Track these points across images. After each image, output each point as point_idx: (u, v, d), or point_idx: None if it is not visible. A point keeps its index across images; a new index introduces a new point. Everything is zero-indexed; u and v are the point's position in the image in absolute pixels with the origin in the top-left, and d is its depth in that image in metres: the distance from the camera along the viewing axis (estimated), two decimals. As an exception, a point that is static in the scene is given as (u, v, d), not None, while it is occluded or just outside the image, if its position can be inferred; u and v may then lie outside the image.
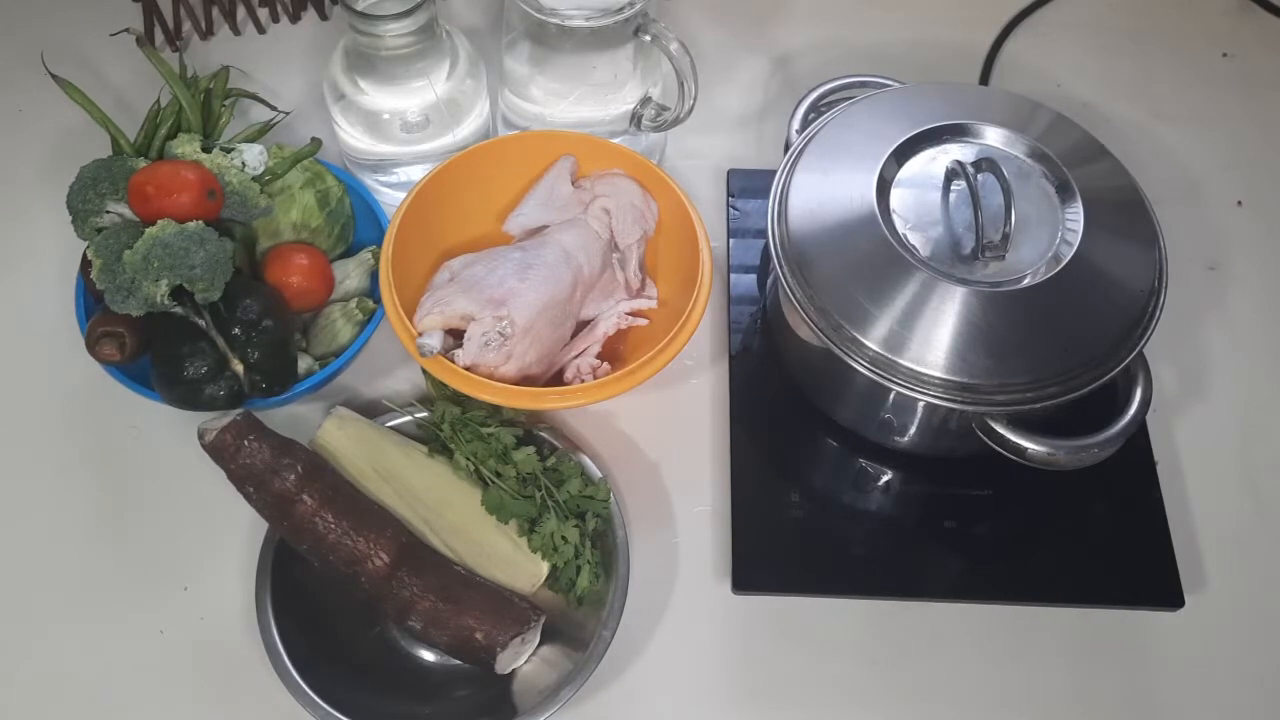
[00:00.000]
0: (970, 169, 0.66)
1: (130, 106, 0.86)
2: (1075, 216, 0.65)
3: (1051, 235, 0.65)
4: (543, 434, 0.71)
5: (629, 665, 0.68)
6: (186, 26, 0.96)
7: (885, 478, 0.74)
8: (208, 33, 0.96)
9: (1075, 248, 0.64)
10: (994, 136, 0.69)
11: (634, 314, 0.76)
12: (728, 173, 0.87)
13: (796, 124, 0.76)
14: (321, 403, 0.76)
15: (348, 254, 0.78)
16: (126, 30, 0.80)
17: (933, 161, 0.69)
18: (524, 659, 0.65)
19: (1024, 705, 0.67)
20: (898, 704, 0.67)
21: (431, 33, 0.74)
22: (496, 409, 0.70)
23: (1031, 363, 0.62)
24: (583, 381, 0.71)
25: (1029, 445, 0.61)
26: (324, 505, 0.63)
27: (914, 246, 0.65)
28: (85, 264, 0.70)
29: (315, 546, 0.63)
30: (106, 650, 0.68)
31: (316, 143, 0.75)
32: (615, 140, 0.79)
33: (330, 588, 0.65)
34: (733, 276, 0.81)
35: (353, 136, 0.79)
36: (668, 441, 0.75)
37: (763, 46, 0.97)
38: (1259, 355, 0.80)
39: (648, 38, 0.73)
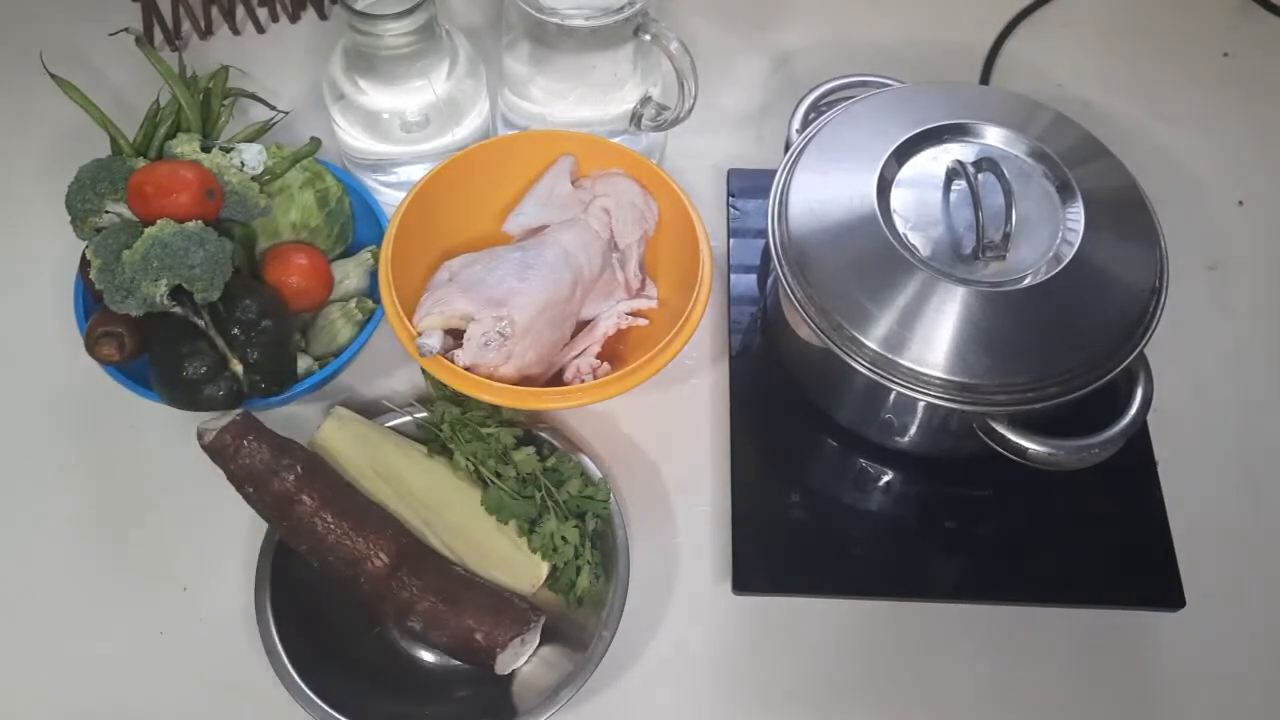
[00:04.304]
0: (971, 169, 0.66)
1: (129, 106, 0.86)
2: (1076, 216, 0.65)
3: (1052, 235, 0.65)
4: (543, 434, 0.71)
5: (629, 666, 0.67)
6: (186, 26, 0.96)
7: (885, 478, 0.74)
8: (207, 32, 0.96)
9: (1076, 247, 0.64)
10: (994, 136, 0.69)
11: (634, 314, 0.76)
12: (728, 173, 0.87)
13: (797, 124, 0.76)
14: (321, 403, 0.75)
15: (347, 254, 0.78)
16: (126, 30, 0.80)
17: (933, 161, 0.69)
18: (524, 660, 0.65)
19: (1024, 705, 0.67)
20: (898, 704, 0.67)
21: (431, 32, 0.74)
22: (496, 409, 0.70)
23: (1032, 363, 0.62)
24: (583, 381, 0.71)
25: (1030, 445, 0.61)
26: (323, 505, 0.63)
27: (914, 246, 0.65)
28: (84, 264, 0.70)
29: (315, 547, 0.63)
30: (106, 650, 0.68)
31: (316, 142, 0.75)
32: (615, 140, 0.79)
33: (330, 588, 0.65)
34: (733, 276, 0.81)
35: (352, 136, 0.79)
36: (668, 441, 0.75)
37: (763, 46, 0.97)
38: (1259, 355, 0.80)
39: (648, 37, 0.73)
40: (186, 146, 0.70)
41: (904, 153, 0.69)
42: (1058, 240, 0.65)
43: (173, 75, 0.74)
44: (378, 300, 0.71)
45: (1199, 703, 0.67)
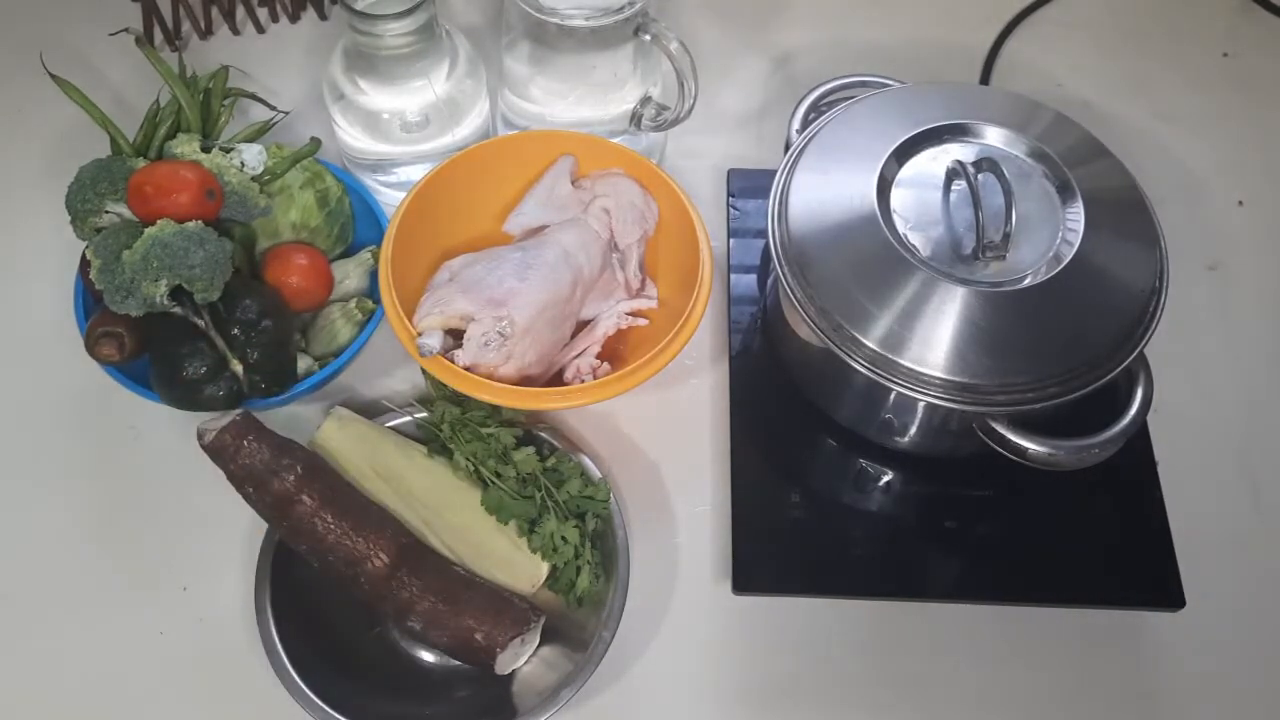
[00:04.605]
0: (971, 169, 0.66)
1: (129, 106, 0.86)
2: (1076, 216, 0.65)
3: (1052, 235, 0.65)
4: (542, 434, 0.71)
5: (629, 666, 0.67)
6: (186, 26, 0.96)
7: (885, 478, 0.74)
8: (207, 32, 0.96)
9: (1076, 247, 0.64)
10: (994, 136, 0.69)
11: (634, 314, 0.76)
12: (728, 173, 0.87)
13: (796, 124, 0.76)
14: (321, 403, 0.75)
15: (347, 254, 0.78)
16: (126, 30, 0.80)
17: (933, 161, 0.69)
18: (524, 660, 0.65)
19: (1024, 705, 0.67)
20: (898, 704, 0.67)
21: (431, 32, 0.74)
22: (496, 409, 0.70)
23: (1032, 363, 0.62)
24: (583, 382, 0.71)
25: (1030, 446, 0.61)
26: (323, 505, 0.63)
27: (914, 246, 0.65)
28: (84, 264, 0.70)
29: (315, 547, 0.63)
30: (106, 650, 0.68)
31: (316, 142, 0.75)
32: (615, 140, 0.79)
33: (330, 588, 0.65)
34: (733, 276, 0.81)
35: (352, 136, 0.79)
36: (668, 441, 0.75)
37: (763, 46, 0.97)
38: (1259, 355, 0.80)
39: (648, 37, 0.73)
40: (186, 146, 0.70)
41: (904, 153, 0.69)
42: (1058, 240, 0.65)
43: (173, 75, 0.74)
44: (378, 300, 0.71)
45: (1199, 703, 0.67)
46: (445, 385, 0.67)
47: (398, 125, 0.77)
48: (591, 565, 0.66)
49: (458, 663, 0.65)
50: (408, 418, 0.72)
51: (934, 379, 0.62)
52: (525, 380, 0.69)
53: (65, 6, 0.97)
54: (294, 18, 0.97)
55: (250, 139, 0.77)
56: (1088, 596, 0.69)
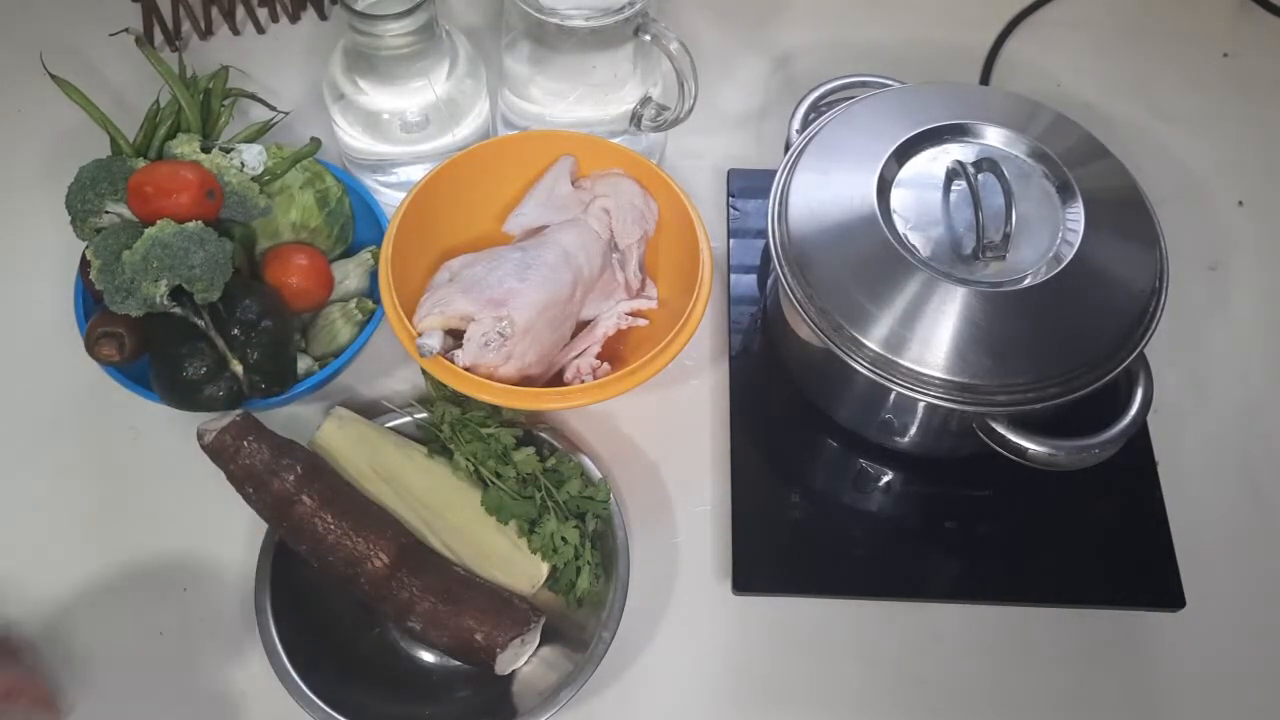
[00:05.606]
0: (971, 169, 0.66)
1: (129, 106, 0.86)
2: (1076, 216, 0.65)
3: (1052, 235, 0.65)
4: (543, 434, 0.71)
5: (629, 666, 0.67)
6: (186, 26, 0.96)
7: (885, 478, 0.74)
8: (207, 33, 0.96)
9: (1076, 248, 0.64)
10: (994, 136, 0.69)
11: (634, 314, 0.76)
12: (728, 173, 0.87)
13: (797, 124, 0.76)
14: (321, 403, 0.75)
15: (347, 254, 0.78)
16: (126, 30, 0.80)
17: (933, 161, 0.69)
18: (524, 660, 0.65)
19: (1024, 705, 0.67)
20: (898, 704, 0.67)
21: (431, 32, 0.74)
22: (496, 409, 0.70)
23: (1032, 363, 0.62)
24: (583, 382, 0.71)
25: (1030, 446, 0.61)
26: (323, 506, 0.63)
27: (914, 246, 0.65)
28: (84, 264, 0.70)
29: (315, 547, 0.63)
30: (106, 651, 0.68)
31: (316, 143, 0.75)
32: (615, 140, 0.79)
33: (330, 589, 0.65)
34: (733, 276, 0.81)
35: (352, 136, 0.79)
36: (668, 441, 0.75)
37: (763, 46, 0.97)
38: (1259, 355, 0.80)
39: (648, 37, 0.73)
40: (186, 147, 0.70)
41: (904, 153, 0.69)
42: (1058, 240, 0.65)
43: (173, 75, 0.74)
44: (378, 300, 0.71)
45: (1199, 703, 0.67)
46: (445, 385, 0.67)
47: (398, 125, 0.77)
48: (591, 565, 0.66)
49: (458, 663, 0.65)
50: (408, 418, 0.72)
51: (934, 379, 0.62)
52: (525, 380, 0.69)
53: (65, 6, 0.97)
54: (294, 18, 0.97)
55: (250, 139, 0.77)
56: (1088, 596, 0.69)
